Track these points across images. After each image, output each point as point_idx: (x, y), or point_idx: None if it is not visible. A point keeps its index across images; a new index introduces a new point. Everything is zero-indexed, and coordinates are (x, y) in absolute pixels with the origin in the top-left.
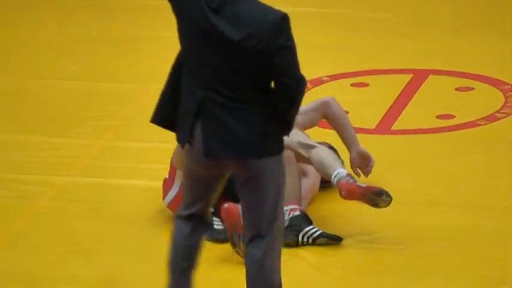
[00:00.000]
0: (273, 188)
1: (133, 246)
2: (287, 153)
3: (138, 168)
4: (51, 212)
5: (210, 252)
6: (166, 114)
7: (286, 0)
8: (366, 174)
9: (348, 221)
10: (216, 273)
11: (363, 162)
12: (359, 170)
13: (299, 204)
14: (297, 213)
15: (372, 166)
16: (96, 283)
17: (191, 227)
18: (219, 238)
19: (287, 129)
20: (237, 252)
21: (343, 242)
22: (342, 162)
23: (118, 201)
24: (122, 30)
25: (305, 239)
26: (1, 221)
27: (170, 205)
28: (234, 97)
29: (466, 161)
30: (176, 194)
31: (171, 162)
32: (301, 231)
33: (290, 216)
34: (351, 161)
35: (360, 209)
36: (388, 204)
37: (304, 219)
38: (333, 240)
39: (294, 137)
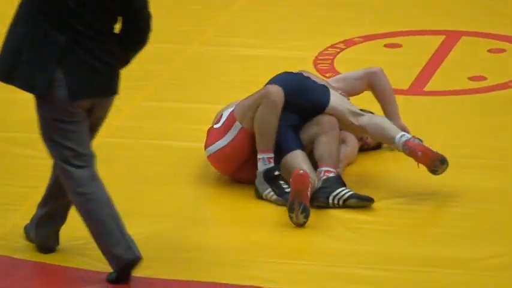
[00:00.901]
0: None
1: (171, 207)
2: (331, 119)
3: (173, 128)
4: None
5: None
6: (4, 68)
7: None
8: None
9: (382, 184)
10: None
11: None
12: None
13: (335, 167)
14: (332, 175)
15: None
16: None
17: (93, 172)
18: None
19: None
20: (291, 218)
21: (376, 205)
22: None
23: (153, 162)
24: None
25: (335, 201)
26: (35, 181)
27: (212, 156)
28: (94, 38)
29: (497, 123)
30: (223, 147)
31: (229, 113)
32: (332, 193)
33: (324, 177)
34: None
35: (395, 172)
36: (444, 171)
37: (338, 181)
38: (363, 200)
39: (343, 104)
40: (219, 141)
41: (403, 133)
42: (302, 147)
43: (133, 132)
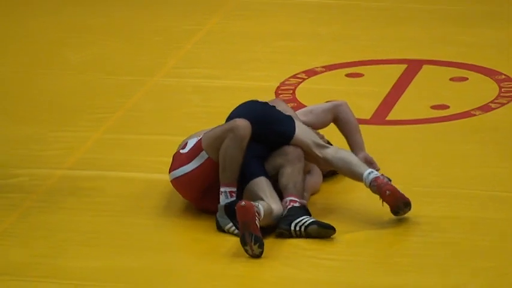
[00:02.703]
0: None
1: (130, 239)
2: (296, 150)
3: (135, 160)
4: (46, 206)
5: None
6: None
7: None
8: None
9: (345, 213)
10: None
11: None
12: None
13: (300, 197)
14: (297, 204)
15: (378, 169)
16: (92, 275)
17: None
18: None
19: None
20: (246, 251)
21: (338, 234)
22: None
23: (113, 194)
24: (124, 23)
25: (297, 228)
26: None
27: (176, 180)
28: None
29: (460, 151)
30: (188, 172)
31: (197, 141)
32: (295, 220)
33: (289, 206)
34: None
35: (360, 201)
36: (404, 214)
37: (302, 210)
38: (324, 228)
39: (308, 135)
40: (184, 166)
41: (371, 170)
42: (266, 175)
43: (95, 164)
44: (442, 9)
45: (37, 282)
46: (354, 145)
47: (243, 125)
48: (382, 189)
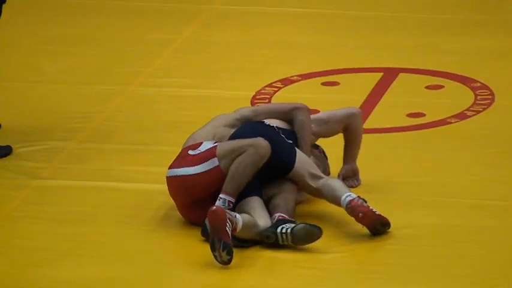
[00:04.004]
0: None
1: (109, 248)
2: (292, 187)
3: (112, 170)
4: (23, 216)
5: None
6: None
7: (260, 0)
8: (349, 185)
9: (325, 223)
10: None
11: (351, 176)
12: (343, 179)
13: (290, 217)
14: (286, 218)
15: (358, 182)
16: (69, 285)
17: None
18: (243, 245)
19: None
20: (215, 257)
21: (316, 245)
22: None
23: (90, 204)
24: (100, 32)
25: (283, 230)
26: None
27: (175, 178)
28: None
29: (437, 159)
30: (191, 175)
31: (211, 147)
32: (282, 225)
33: (277, 218)
34: (342, 170)
35: (340, 212)
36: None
37: (290, 220)
38: (312, 227)
39: (305, 166)
40: (190, 168)
41: (349, 193)
42: (260, 195)
43: (72, 174)
44: (419, 17)
45: None
46: (349, 155)
47: (265, 146)
48: (355, 211)
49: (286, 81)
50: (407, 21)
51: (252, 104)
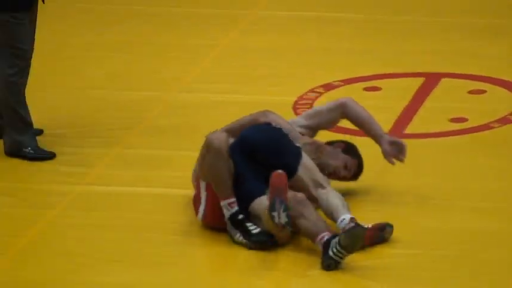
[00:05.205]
0: None
1: (150, 256)
2: (296, 197)
3: (154, 176)
4: (65, 222)
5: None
6: None
7: (300, 5)
8: (402, 160)
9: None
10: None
11: (394, 150)
12: (394, 159)
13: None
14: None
15: (405, 150)
16: None
17: None
18: (259, 240)
19: None
20: (272, 217)
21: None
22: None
23: (133, 210)
24: (142, 38)
25: (334, 250)
26: (16, 230)
27: (205, 221)
28: None
29: (479, 164)
30: (205, 209)
31: (193, 175)
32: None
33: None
34: (383, 153)
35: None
36: (392, 234)
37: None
38: (353, 230)
39: (310, 174)
40: (200, 206)
41: (343, 217)
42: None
43: (114, 180)
44: (460, 22)
45: None
46: (373, 134)
47: (216, 137)
48: None
49: (328, 87)
50: (448, 26)
51: (295, 109)
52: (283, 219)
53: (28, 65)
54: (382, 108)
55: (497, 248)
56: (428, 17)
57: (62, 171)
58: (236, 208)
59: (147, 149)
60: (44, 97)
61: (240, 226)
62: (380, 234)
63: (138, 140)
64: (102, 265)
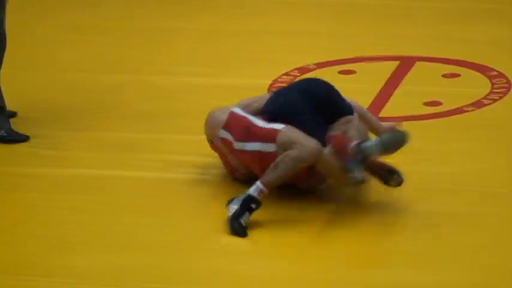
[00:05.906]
0: None
1: (128, 238)
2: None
3: (131, 159)
4: (44, 205)
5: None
6: None
7: None
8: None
9: (347, 216)
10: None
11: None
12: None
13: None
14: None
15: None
16: (92, 275)
17: None
18: (242, 227)
19: None
20: (351, 178)
21: (330, 232)
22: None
23: (111, 194)
24: (116, 22)
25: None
26: None
27: (245, 153)
28: None
29: (453, 148)
30: (270, 152)
31: (278, 129)
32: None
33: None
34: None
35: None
36: (399, 185)
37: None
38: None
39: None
40: (263, 144)
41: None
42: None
43: (90, 163)
44: (436, 6)
45: (35, 282)
46: (374, 129)
47: (314, 150)
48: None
49: (303, 70)
50: (423, 10)
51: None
52: (361, 176)
53: (2, 48)
54: (357, 92)
55: (476, 231)
56: (403, 1)
57: (39, 155)
58: (260, 199)
59: (123, 132)
60: (16, 80)
61: (245, 210)
62: (385, 175)
63: (114, 123)
64: (79, 248)
